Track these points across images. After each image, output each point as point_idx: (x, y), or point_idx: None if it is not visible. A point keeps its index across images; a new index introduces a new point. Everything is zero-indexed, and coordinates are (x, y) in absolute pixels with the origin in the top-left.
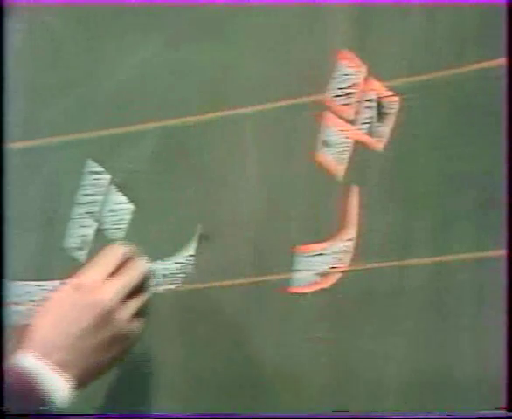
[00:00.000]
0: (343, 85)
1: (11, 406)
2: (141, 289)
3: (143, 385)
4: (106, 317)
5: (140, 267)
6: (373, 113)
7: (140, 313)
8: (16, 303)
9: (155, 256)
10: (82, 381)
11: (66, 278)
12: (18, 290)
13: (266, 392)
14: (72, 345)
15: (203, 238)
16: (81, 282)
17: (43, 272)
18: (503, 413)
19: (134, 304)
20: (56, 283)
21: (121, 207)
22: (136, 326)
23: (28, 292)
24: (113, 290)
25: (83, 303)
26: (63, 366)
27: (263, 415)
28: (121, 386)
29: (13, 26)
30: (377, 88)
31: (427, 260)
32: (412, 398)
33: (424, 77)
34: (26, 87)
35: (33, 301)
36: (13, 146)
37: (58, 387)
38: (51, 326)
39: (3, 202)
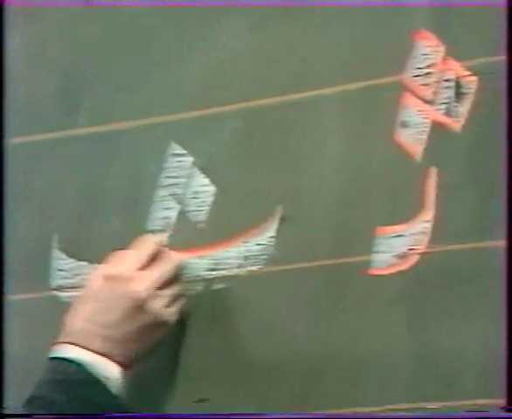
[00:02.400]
0: (422, 65)
1: (58, 397)
2: (176, 279)
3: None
4: (140, 306)
5: (173, 258)
6: (451, 93)
7: (175, 301)
8: None
9: (237, 237)
10: (125, 368)
11: None
12: None
13: (344, 373)
14: (112, 334)
15: (283, 220)
16: (116, 272)
17: None
18: (503, 413)
19: (169, 293)
20: None
21: (204, 189)
22: (171, 313)
23: None
24: (146, 280)
25: (118, 293)
26: (106, 354)
27: (263, 415)
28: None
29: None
30: (456, 68)
31: (505, 242)
32: (489, 383)
33: (500, 57)
34: (109, 74)
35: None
36: (97, 129)
37: (109, 373)
38: (90, 316)
39: (3, 201)
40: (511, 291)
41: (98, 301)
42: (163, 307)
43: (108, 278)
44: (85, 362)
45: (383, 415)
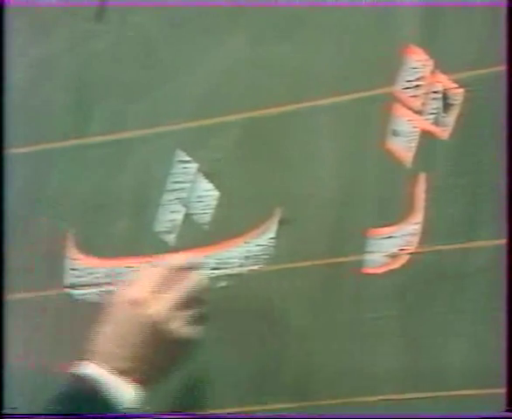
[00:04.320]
0: (411, 78)
1: (77, 410)
2: (195, 299)
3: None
4: (157, 328)
5: (192, 279)
6: (439, 104)
7: (195, 321)
8: (107, 283)
9: (239, 238)
10: (145, 385)
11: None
12: (109, 271)
13: (340, 367)
14: (130, 354)
15: (282, 222)
16: (133, 297)
17: (134, 255)
18: (503, 413)
19: (187, 313)
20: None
21: (208, 193)
22: (190, 332)
23: (119, 274)
24: (162, 302)
25: (135, 317)
26: (123, 372)
27: (263, 415)
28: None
29: (103, 28)
30: (443, 81)
31: (491, 243)
32: (477, 378)
33: (487, 70)
34: (119, 85)
35: (124, 281)
36: (107, 137)
37: (122, 390)
38: (110, 338)
39: (3, 201)
40: (511, 290)
41: (117, 324)
42: (181, 327)
43: (127, 303)
44: (103, 380)
45: (382, 414)
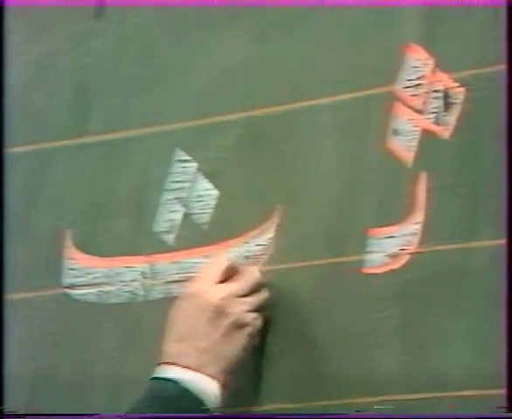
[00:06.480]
0: (412, 77)
1: (157, 412)
2: (256, 292)
3: None
4: (221, 312)
5: (251, 272)
6: (440, 103)
7: (258, 310)
8: (107, 284)
9: (238, 238)
10: (222, 379)
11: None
12: (109, 272)
13: (339, 365)
14: (200, 346)
15: (281, 222)
16: (193, 290)
17: (133, 255)
18: (503, 413)
19: (249, 300)
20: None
21: (207, 193)
22: (253, 317)
23: (118, 274)
24: (223, 290)
25: (197, 308)
26: (199, 368)
27: (263, 415)
28: None
29: (102, 26)
30: (444, 80)
31: (491, 243)
32: (477, 378)
33: (488, 69)
34: (118, 84)
35: (122, 282)
36: (107, 137)
37: (203, 387)
38: (178, 336)
39: (3, 202)
40: (511, 290)
41: (182, 320)
42: (244, 312)
43: (187, 297)
44: (180, 379)
45: (382, 414)
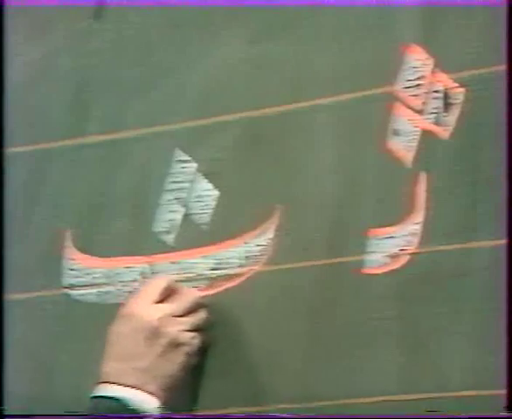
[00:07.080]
0: (412, 78)
1: None
2: (194, 312)
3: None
4: (157, 333)
5: (188, 294)
6: (440, 103)
7: (195, 329)
8: (106, 284)
9: (238, 238)
10: (162, 396)
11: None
12: (108, 272)
13: (339, 364)
14: (139, 366)
15: (281, 223)
16: (130, 311)
17: (132, 255)
18: (503, 413)
19: (186, 320)
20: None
21: (207, 193)
22: (190, 336)
23: (117, 274)
24: (159, 311)
25: (134, 328)
26: (138, 386)
27: (263, 415)
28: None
29: (101, 26)
30: (444, 80)
31: (491, 243)
32: (477, 378)
33: (488, 69)
34: (118, 85)
35: (122, 282)
36: (106, 137)
37: (144, 403)
38: (117, 356)
39: (3, 201)
40: (511, 290)
41: (121, 340)
42: (181, 331)
43: (125, 317)
44: (121, 397)
45: (382, 414)
